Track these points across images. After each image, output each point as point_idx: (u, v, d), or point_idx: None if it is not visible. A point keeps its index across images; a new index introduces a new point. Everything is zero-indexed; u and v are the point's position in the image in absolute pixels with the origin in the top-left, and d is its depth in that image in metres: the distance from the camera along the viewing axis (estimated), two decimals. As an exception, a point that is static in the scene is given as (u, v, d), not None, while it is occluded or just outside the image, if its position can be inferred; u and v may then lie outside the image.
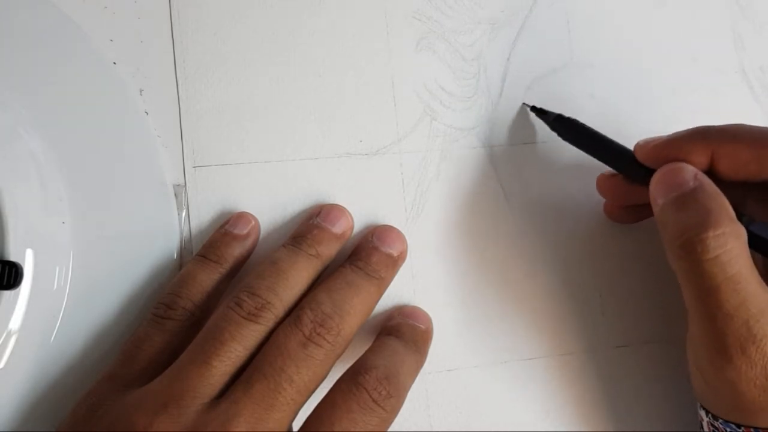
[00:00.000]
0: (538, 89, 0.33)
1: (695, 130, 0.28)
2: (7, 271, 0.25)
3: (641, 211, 0.31)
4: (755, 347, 0.24)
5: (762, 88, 0.36)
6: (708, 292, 0.25)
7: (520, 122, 0.33)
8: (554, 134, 0.32)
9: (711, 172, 0.27)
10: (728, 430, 0.26)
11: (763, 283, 0.25)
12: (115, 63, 0.29)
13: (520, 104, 0.33)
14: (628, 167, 0.29)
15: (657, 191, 0.27)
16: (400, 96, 0.32)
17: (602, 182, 0.31)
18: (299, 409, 0.25)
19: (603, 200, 0.33)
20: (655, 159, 0.28)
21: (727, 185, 0.27)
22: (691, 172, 0.27)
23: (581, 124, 0.31)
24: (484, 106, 0.33)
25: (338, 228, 0.29)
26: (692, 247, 0.25)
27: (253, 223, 0.29)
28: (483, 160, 0.32)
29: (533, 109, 0.32)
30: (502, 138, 0.33)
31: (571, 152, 0.33)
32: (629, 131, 0.33)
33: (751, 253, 0.26)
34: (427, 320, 0.30)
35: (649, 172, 0.28)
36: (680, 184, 0.26)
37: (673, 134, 0.28)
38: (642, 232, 0.33)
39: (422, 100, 0.32)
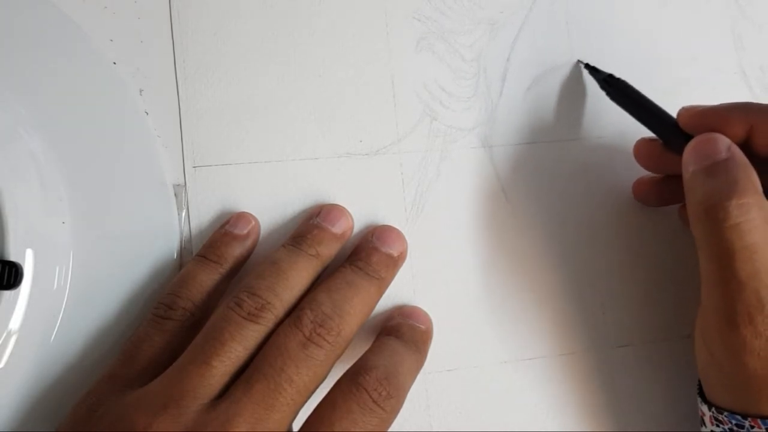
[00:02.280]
0: (538, 89, 0.33)
1: (738, 103, 0.29)
2: (7, 271, 0.25)
3: (671, 191, 0.32)
4: (762, 317, 0.25)
5: (761, 87, 0.36)
6: (723, 258, 0.25)
7: (520, 122, 0.33)
8: (554, 134, 0.32)
9: (747, 145, 0.28)
10: (734, 422, 0.26)
11: None
12: (115, 63, 0.29)
13: (575, 61, 0.34)
14: (669, 133, 0.30)
15: (689, 158, 0.28)
16: (400, 96, 0.32)
17: (640, 146, 0.32)
18: (299, 410, 0.25)
19: (604, 199, 0.33)
20: (696, 125, 0.29)
21: (760, 161, 0.27)
22: (725, 143, 0.27)
23: (630, 86, 0.31)
24: (484, 106, 0.33)
25: (338, 228, 0.29)
26: (714, 212, 0.25)
27: (253, 223, 0.29)
28: (483, 160, 0.32)
29: (587, 66, 0.33)
30: (502, 138, 0.33)
31: (571, 153, 0.33)
32: (630, 130, 0.33)
33: None
34: (427, 320, 0.30)
35: (687, 139, 0.28)
36: (713, 154, 0.27)
37: (716, 104, 0.29)
38: (643, 232, 0.33)
39: (422, 100, 0.32)
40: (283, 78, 0.31)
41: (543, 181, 0.33)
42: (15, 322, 0.26)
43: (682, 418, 0.33)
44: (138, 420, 0.23)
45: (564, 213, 0.33)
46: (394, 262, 0.29)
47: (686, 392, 0.32)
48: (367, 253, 0.29)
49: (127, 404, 0.24)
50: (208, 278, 0.28)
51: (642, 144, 0.32)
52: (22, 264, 0.26)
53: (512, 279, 0.32)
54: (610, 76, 0.32)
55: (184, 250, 0.29)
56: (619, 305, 0.33)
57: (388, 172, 0.31)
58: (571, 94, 0.33)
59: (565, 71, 0.33)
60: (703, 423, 0.29)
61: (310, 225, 0.29)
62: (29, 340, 0.26)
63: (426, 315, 0.30)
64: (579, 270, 0.33)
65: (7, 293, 0.25)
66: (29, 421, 0.26)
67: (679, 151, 0.28)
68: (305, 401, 0.25)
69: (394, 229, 0.30)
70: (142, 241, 0.29)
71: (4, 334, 0.25)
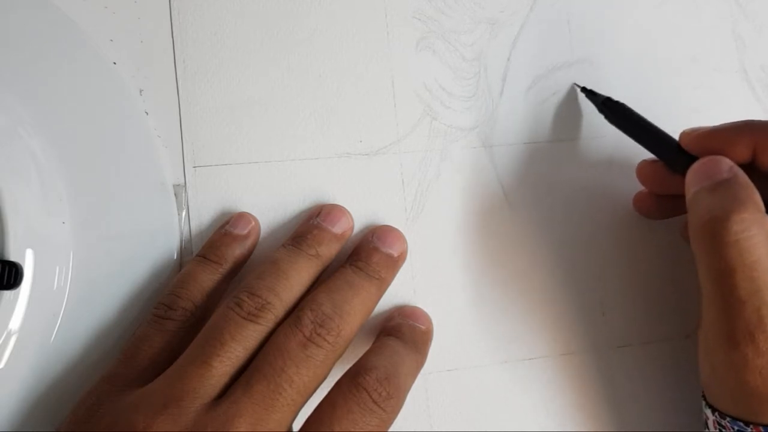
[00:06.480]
0: (539, 89, 0.33)
1: (740, 122, 0.28)
2: (7, 271, 0.25)
3: (673, 205, 0.32)
4: (764, 335, 0.24)
5: (763, 87, 0.36)
6: (723, 276, 0.25)
7: (520, 122, 0.33)
8: (554, 134, 0.32)
9: (753, 164, 0.28)
10: (736, 428, 0.26)
11: None
12: (115, 63, 0.29)
13: (571, 84, 0.33)
14: (671, 155, 0.30)
15: (692, 180, 0.28)
16: (400, 96, 0.32)
17: (643, 168, 0.31)
18: (299, 410, 0.25)
19: (604, 199, 0.33)
20: (699, 148, 0.29)
21: (767, 179, 0.27)
22: (726, 164, 0.27)
23: (629, 108, 0.31)
24: (485, 106, 0.33)
25: (338, 228, 0.29)
26: (714, 228, 0.25)
27: (253, 223, 0.29)
28: (483, 160, 0.32)
29: (583, 90, 0.33)
30: (503, 138, 0.33)
31: (571, 153, 0.33)
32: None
33: None
34: (427, 320, 0.30)
35: (690, 161, 0.28)
36: (715, 174, 0.27)
37: (718, 125, 0.29)
38: (643, 233, 0.33)
39: (422, 100, 0.32)
40: (283, 78, 0.31)
41: (543, 181, 0.33)
42: (15, 322, 0.26)
43: (683, 419, 0.33)
44: (138, 420, 0.23)
45: (564, 213, 0.33)
46: (394, 262, 0.29)
47: (686, 392, 0.32)
48: (367, 254, 0.29)
49: (127, 404, 0.24)
50: (208, 278, 0.28)
51: (645, 165, 0.31)
52: (22, 264, 0.26)
53: (512, 279, 0.32)
54: (608, 99, 0.31)
55: (184, 250, 0.29)
56: (619, 305, 0.33)
57: (388, 172, 0.31)
58: (572, 93, 0.33)
59: (565, 71, 0.33)
60: (706, 426, 0.29)
61: (310, 225, 0.29)
62: (29, 340, 0.26)
63: (426, 315, 0.30)
64: (579, 270, 0.33)
65: (7, 293, 0.25)
66: (29, 421, 0.26)
67: (683, 173, 0.28)
68: (305, 401, 0.25)
69: (394, 229, 0.30)
70: (142, 241, 0.29)
71: (4, 334, 0.26)
